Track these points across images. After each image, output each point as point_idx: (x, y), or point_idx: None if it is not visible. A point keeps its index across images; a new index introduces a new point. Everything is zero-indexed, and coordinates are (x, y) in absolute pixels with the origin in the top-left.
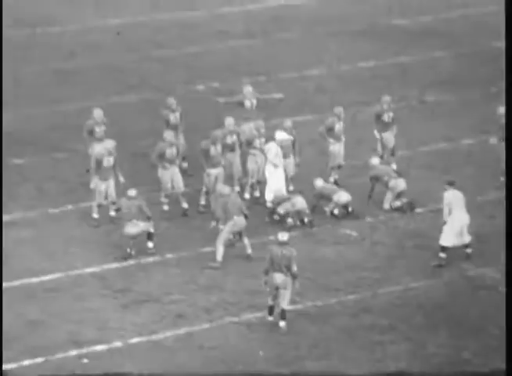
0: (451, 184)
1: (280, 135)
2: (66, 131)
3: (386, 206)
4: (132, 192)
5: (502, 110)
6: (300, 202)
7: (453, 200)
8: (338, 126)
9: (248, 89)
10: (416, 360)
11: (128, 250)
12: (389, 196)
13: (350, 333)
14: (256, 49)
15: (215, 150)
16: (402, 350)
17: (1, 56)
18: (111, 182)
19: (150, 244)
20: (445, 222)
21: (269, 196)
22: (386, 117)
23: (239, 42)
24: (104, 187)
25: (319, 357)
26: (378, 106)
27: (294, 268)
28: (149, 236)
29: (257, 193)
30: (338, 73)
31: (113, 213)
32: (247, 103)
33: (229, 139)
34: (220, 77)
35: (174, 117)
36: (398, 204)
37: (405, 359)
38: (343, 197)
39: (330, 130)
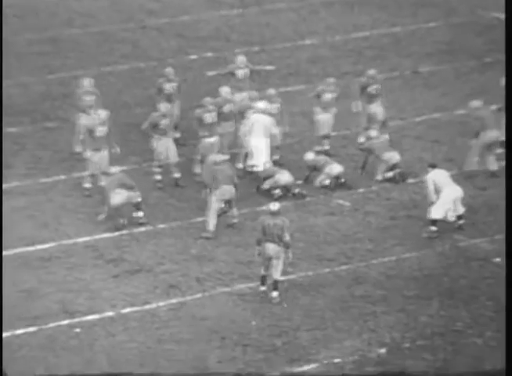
0: (433, 167)
1: (262, 105)
2: (60, 101)
3: (378, 177)
4: (112, 169)
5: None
6: (284, 177)
7: (437, 179)
8: (328, 96)
9: (241, 59)
10: (409, 331)
11: (121, 220)
12: (382, 167)
13: (343, 303)
14: (249, 19)
15: (211, 118)
16: (394, 321)
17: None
18: (104, 153)
19: (140, 213)
20: (432, 203)
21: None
22: (373, 90)
23: (232, 11)
24: (97, 157)
25: (311, 327)
26: (363, 78)
27: (287, 237)
28: (137, 205)
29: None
30: (332, 43)
31: (103, 183)
32: (240, 73)
33: (226, 109)
34: (212, 46)
35: (170, 87)
36: (390, 174)
37: (397, 329)
38: (335, 168)
39: (318, 97)
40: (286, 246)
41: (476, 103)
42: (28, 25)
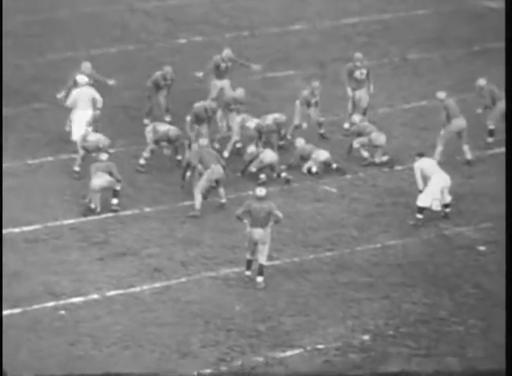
0: (420, 155)
1: (83, 78)
2: (49, 82)
3: (376, 159)
4: (104, 156)
5: (482, 82)
6: (268, 156)
7: (425, 167)
8: (314, 100)
9: (227, 52)
10: (392, 318)
11: (93, 205)
12: (379, 152)
13: (327, 289)
14: (238, 3)
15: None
16: (378, 308)
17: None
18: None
19: (115, 201)
20: (420, 191)
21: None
22: (358, 74)
23: None
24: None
25: (295, 313)
26: (350, 63)
27: (279, 215)
28: (115, 193)
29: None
30: (321, 29)
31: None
32: (222, 66)
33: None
34: (201, 30)
35: (164, 84)
36: (376, 159)
37: (381, 316)
38: (321, 155)
39: (307, 102)
40: (277, 221)
41: (441, 94)
42: (18, 7)
